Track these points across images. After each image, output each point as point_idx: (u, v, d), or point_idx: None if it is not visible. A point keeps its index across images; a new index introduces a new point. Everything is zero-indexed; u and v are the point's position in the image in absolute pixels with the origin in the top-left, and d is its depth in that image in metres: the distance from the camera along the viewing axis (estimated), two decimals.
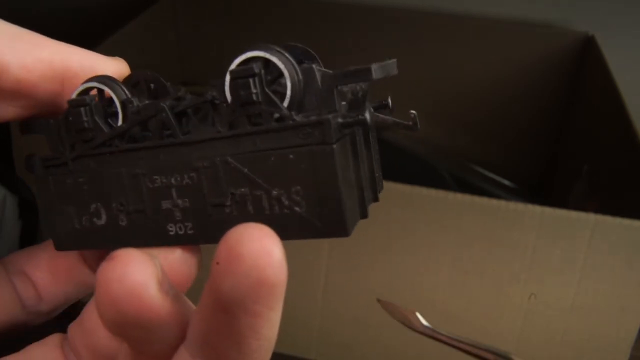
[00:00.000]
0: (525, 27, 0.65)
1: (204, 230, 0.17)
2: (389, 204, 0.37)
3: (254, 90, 0.16)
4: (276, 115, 0.16)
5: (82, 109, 0.18)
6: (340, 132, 0.15)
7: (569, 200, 0.56)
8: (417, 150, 0.65)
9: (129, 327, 0.15)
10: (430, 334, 0.31)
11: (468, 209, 0.37)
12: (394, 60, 0.17)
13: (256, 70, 0.15)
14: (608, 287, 0.37)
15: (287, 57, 0.16)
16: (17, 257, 0.21)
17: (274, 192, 0.16)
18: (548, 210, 0.36)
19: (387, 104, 0.18)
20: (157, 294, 0.15)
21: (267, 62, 0.16)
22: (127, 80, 0.19)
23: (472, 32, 0.66)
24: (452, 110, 0.69)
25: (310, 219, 0.16)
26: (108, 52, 0.20)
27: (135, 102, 0.18)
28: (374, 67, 0.15)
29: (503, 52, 0.66)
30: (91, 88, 0.18)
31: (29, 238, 0.45)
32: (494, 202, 0.36)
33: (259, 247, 0.13)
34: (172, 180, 0.17)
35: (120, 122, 0.18)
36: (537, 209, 0.36)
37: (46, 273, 0.21)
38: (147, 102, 0.18)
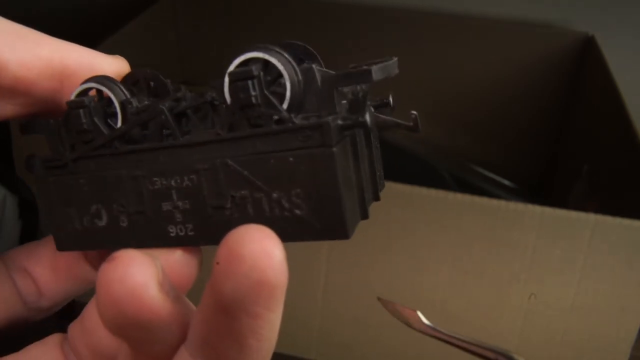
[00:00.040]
0: (525, 27, 0.65)
1: (204, 232, 0.17)
2: (389, 204, 0.37)
3: (253, 93, 0.15)
4: (276, 117, 0.16)
5: (80, 110, 0.17)
6: (340, 135, 0.15)
7: (569, 200, 0.56)
8: (417, 150, 0.65)
9: (130, 328, 0.15)
10: (431, 333, 0.31)
11: (468, 209, 0.37)
12: (395, 59, 0.16)
13: (255, 73, 0.15)
14: (608, 287, 0.37)
15: (286, 58, 0.16)
16: (17, 253, 0.21)
17: (274, 195, 0.16)
18: (548, 210, 0.36)
19: (388, 102, 0.17)
20: (157, 295, 0.15)
21: (266, 63, 0.16)
22: (126, 79, 0.19)
23: (472, 32, 0.66)
24: (452, 110, 0.69)
25: (311, 222, 0.16)
26: (108, 52, 0.20)
27: (135, 102, 0.17)
28: (374, 68, 0.15)
29: (503, 52, 0.66)
30: (90, 89, 0.18)
31: (29, 238, 0.44)
32: (494, 202, 0.36)
33: (260, 249, 0.13)
34: (172, 182, 0.17)
35: (119, 123, 0.18)
36: (537, 209, 0.36)
37: (47, 269, 0.21)
38: (146, 102, 0.18)
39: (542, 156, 0.69)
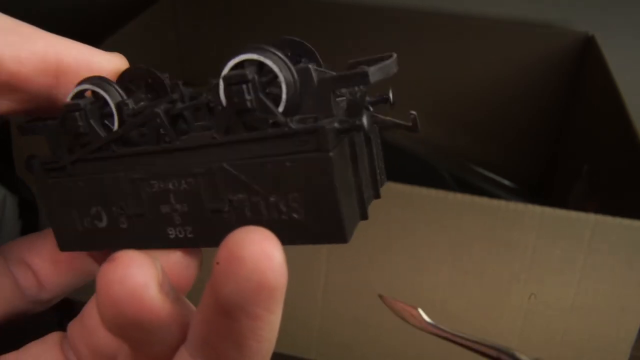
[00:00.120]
0: (525, 27, 0.65)
1: (203, 234, 0.17)
2: (389, 204, 0.37)
3: (248, 97, 0.15)
4: (271, 121, 0.15)
5: (76, 113, 0.17)
6: (337, 138, 0.15)
7: (569, 200, 0.56)
8: (417, 150, 0.65)
9: (130, 328, 0.15)
10: (432, 331, 0.31)
11: (468, 209, 0.37)
12: (394, 57, 0.16)
13: (249, 77, 0.15)
14: (608, 287, 0.37)
15: (281, 59, 0.15)
16: (16, 246, 0.21)
17: (272, 199, 0.16)
18: (548, 210, 0.36)
19: (388, 98, 0.17)
20: (157, 296, 0.15)
21: (261, 64, 0.15)
22: (123, 76, 0.18)
23: (472, 32, 0.66)
24: (452, 110, 0.69)
25: (309, 226, 0.16)
26: (108, 51, 0.19)
27: (131, 104, 0.17)
28: (371, 70, 0.15)
29: (503, 52, 0.66)
30: (86, 90, 0.18)
31: None
32: (494, 202, 0.36)
33: (260, 251, 0.13)
34: (170, 185, 0.17)
35: (116, 124, 0.17)
36: (537, 209, 0.36)
37: (47, 262, 0.21)
38: (142, 103, 0.18)
39: (542, 156, 0.69)
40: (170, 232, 0.18)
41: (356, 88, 0.17)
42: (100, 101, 0.17)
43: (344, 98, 0.17)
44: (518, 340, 0.40)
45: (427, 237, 0.38)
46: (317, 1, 0.69)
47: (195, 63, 0.73)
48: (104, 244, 0.19)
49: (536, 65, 0.65)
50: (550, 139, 0.68)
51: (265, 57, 0.15)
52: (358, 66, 0.17)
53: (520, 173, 0.69)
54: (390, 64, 0.16)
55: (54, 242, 0.20)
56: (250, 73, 0.15)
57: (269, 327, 0.15)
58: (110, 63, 0.18)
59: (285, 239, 0.14)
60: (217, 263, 0.14)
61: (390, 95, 0.17)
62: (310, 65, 0.16)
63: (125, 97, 0.18)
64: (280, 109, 0.15)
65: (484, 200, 0.36)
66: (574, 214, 0.35)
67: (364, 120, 0.15)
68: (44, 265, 0.20)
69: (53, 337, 0.20)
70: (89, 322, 0.19)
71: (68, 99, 0.18)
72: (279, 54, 0.15)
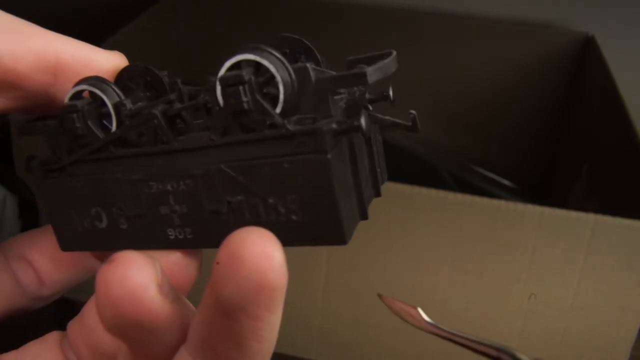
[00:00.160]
0: (525, 27, 0.65)
1: (203, 235, 0.17)
2: (389, 204, 0.37)
3: (245, 99, 0.15)
4: (269, 122, 0.15)
5: (74, 115, 0.17)
6: (335, 139, 0.15)
7: (569, 200, 0.56)
8: (417, 150, 0.65)
9: (129, 329, 0.15)
10: (432, 330, 0.31)
11: (468, 209, 0.37)
12: (393, 56, 0.16)
13: (246, 78, 0.15)
14: (608, 287, 0.37)
15: (278, 59, 0.15)
16: (17, 242, 0.21)
17: (270, 200, 0.16)
18: (548, 210, 0.36)
19: (388, 95, 0.17)
20: (157, 297, 0.15)
21: (258, 64, 0.15)
22: (122, 74, 0.18)
23: (472, 32, 0.66)
24: (452, 110, 0.69)
25: (307, 228, 0.16)
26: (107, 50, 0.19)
27: (128, 104, 0.17)
28: (369, 70, 0.15)
29: (503, 52, 0.66)
30: (83, 91, 0.18)
31: None
32: (494, 202, 0.36)
33: (260, 251, 0.13)
34: (169, 187, 0.17)
35: (114, 125, 0.17)
36: (537, 209, 0.36)
37: (47, 259, 0.20)
38: (140, 103, 0.17)
39: (542, 156, 0.69)
40: (169, 233, 0.18)
41: (355, 87, 0.17)
42: (97, 101, 0.17)
43: (343, 97, 0.17)
44: (518, 340, 0.40)
45: (427, 237, 0.38)
46: (317, 1, 0.69)
47: (195, 63, 0.73)
48: (104, 245, 0.19)
49: (536, 65, 0.65)
50: (550, 139, 0.68)
51: (262, 57, 0.15)
52: (357, 64, 0.17)
53: (520, 173, 0.69)
54: (389, 63, 0.16)
55: (54, 239, 0.20)
56: (246, 74, 0.15)
57: (269, 327, 0.15)
58: (109, 61, 0.18)
59: (284, 241, 0.14)
60: (217, 263, 0.14)
61: (391, 92, 0.17)
62: (308, 65, 0.15)
63: (123, 97, 0.17)
64: (278, 109, 0.15)
65: (484, 200, 0.36)
66: (574, 214, 0.35)
67: (362, 121, 0.15)
68: (44, 262, 0.20)
69: (53, 337, 0.20)
70: (89, 322, 0.19)
71: (66, 100, 0.18)
72: (276, 53, 0.15)
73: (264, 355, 0.15)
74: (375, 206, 0.18)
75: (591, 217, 0.35)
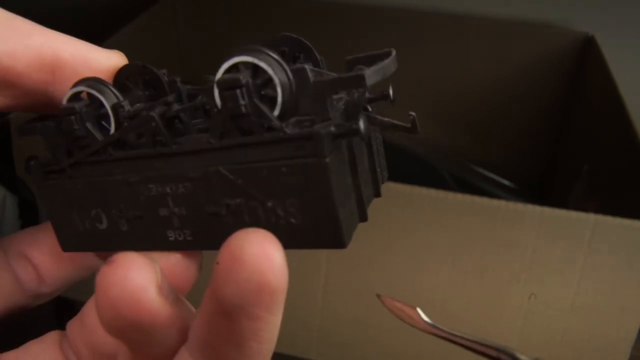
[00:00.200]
0: (525, 27, 0.65)
1: (202, 237, 0.17)
2: (389, 204, 0.37)
3: (242, 102, 0.15)
4: (267, 125, 0.15)
5: (72, 117, 0.17)
6: (334, 142, 0.15)
7: (569, 200, 0.56)
8: (417, 150, 0.65)
9: (129, 330, 0.15)
10: (431, 331, 0.31)
11: (468, 209, 0.37)
12: (392, 56, 0.16)
13: (243, 81, 0.15)
14: (608, 287, 0.37)
15: (276, 60, 0.15)
16: (16, 240, 0.21)
17: (269, 204, 0.16)
18: (548, 210, 0.36)
19: (388, 95, 0.17)
20: (156, 298, 0.15)
21: (256, 66, 0.15)
22: (120, 74, 0.18)
23: (472, 32, 0.66)
24: (452, 110, 0.69)
25: (306, 231, 0.15)
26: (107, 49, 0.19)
27: (127, 105, 0.17)
28: (368, 73, 0.14)
29: (503, 52, 0.66)
30: (81, 92, 0.17)
31: None
32: (494, 202, 0.36)
33: (261, 252, 0.13)
34: (167, 189, 0.17)
35: (112, 126, 0.17)
36: (537, 209, 0.36)
37: (47, 256, 0.20)
38: (138, 105, 0.17)
39: (542, 156, 0.69)
40: (169, 235, 0.18)
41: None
42: (95, 103, 0.17)
43: (342, 97, 0.17)
44: (518, 340, 0.40)
45: (427, 237, 0.38)
46: (317, 1, 0.69)
47: (195, 63, 0.73)
48: (105, 245, 0.19)
49: (536, 65, 0.65)
50: (550, 139, 0.68)
51: (260, 59, 0.15)
52: (356, 64, 0.17)
53: (520, 173, 0.69)
54: (389, 64, 0.16)
55: (54, 236, 0.20)
56: (244, 77, 0.15)
57: (270, 328, 0.15)
58: (108, 60, 0.18)
59: (283, 244, 0.14)
60: (218, 263, 0.14)
61: (390, 92, 0.17)
62: (306, 66, 0.15)
63: (121, 98, 0.17)
64: (276, 112, 0.15)
65: (484, 200, 0.36)
66: (574, 214, 0.35)
67: (361, 124, 0.15)
68: (44, 259, 0.20)
69: (52, 336, 0.20)
70: (89, 322, 0.19)
71: (64, 102, 0.18)
72: (274, 55, 0.15)
73: (264, 355, 0.15)
74: (375, 206, 0.18)
75: (591, 217, 0.35)
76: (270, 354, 0.16)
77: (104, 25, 0.57)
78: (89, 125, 0.17)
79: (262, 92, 0.15)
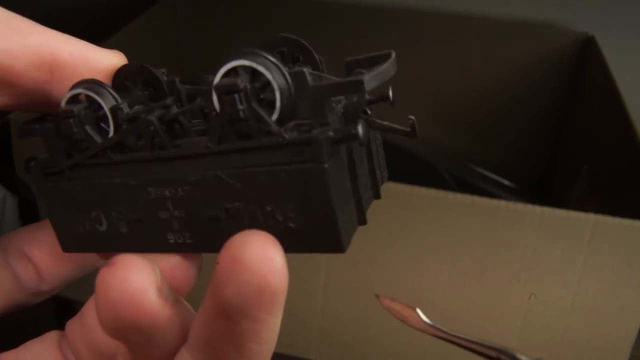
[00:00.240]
0: (525, 27, 0.65)
1: (202, 240, 0.17)
2: (389, 204, 0.37)
3: (240, 107, 0.15)
4: (265, 130, 0.15)
5: (71, 120, 0.17)
6: (333, 148, 0.15)
7: (569, 200, 0.56)
8: (417, 150, 0.65)
9: (129, 332, 0.15)
10: (431, 331, 0.31)
11: (468, 209, 0.37)
12: (392, 59, 0.16)
13: (241, 86, 0.15)
14: (608, 287, 0.37)
15: (274, 64, 0.15)
16: (15, 238, 0.21)
17: (268, 208, 0.15)
18: (548, 210, 0.36)
19: (388, 96, 0.17)
20: (156, 300, 0.15)
21: (254, 70, 0.15)
22: (119, 74, 0.18)
23: (472, 32, 0.66)
24: (452, 110, 0.69)
25: (305, 236, 0.15)
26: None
27: (125, 108, 0.17)
28: (366, 78, 0.14)
29: (503, 52, 0.66)
30: (79, 94, 0.17)
31: None
32: (494, 202, 0.36)
33: (261, 255, 0.13)
34: (167, 193, 0.17)
35: (111, 129, 0.17)
36: (537, 209, 0.36)
37: (47, 254, 0.20)
38: (137, 107, 0.17)
39: (542, 156, 0.69)
40: (169, 237, 0.18)
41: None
42: (94, 105, 0.17)
43: (341, 100, 0.16)
44: (518, 340, 0.40)
45: (427, 237, 0.38)
46: (317, 1, 0.69)
47: (195, 63, 0.73)
48: (105, 247, 0.19)
49: (536, 65, 0.65)
50: (550, 139, 0.68)
51: (258, 63, 0.15)
52: (355, 65, 0.17)
53: (520, 173, 0.69)
54: (388, 68, 0.15)
55: (54, 234, 0.20)
56: (242, 82, 0.15)
57: (270, 329, 0.15)
58: (107, 60, 0.18)
59: (283, 248, 0.14)
60: (218, 263, 0.14)
61: (390, 93, 0.17)
62: (305, 70, 0.15)
63: (119, 100, 0.17)
64: (275, 116, 0.15)
65: (484, 200, 0.36)
66: (574, 214, 0.35)
67: (360, 129, 0.14)
68: (43, 257, 0.20)
69: (51, 336, 0.20)
70: (88, 322, 0.19)
71: (62, 104, 0.18)
72: (272, 58, 0.15)
73: (264, 356, 0.15)
74: (375, 206, 0.18)
75: (591, 217, 0.35)
76: (270, 355, 0.16)
77: (104, 25, 0.57)
78: (87, 128, 0.17)
79: (261, 96, 0.15)
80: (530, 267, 0.38)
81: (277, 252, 0.14)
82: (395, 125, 0.16)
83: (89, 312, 0.19)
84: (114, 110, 0.17)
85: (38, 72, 0.17)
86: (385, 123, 0.16)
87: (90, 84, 0.17)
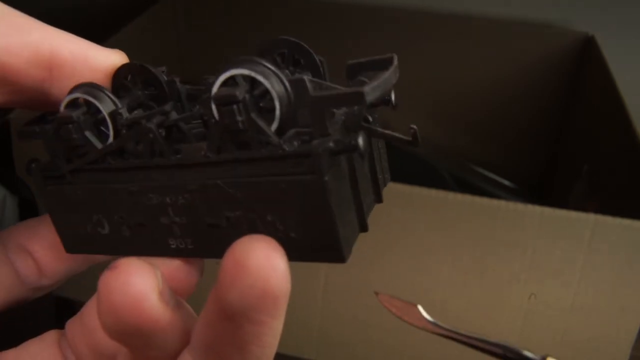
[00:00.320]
0: (525, 27, 0.65)
1: (204, 246, 0.17)
2: (389, 204, 0.37)
3: (239, 118, 0.15)
4: (264, 141, 0.15)
5: (70, 126, 0.17)
6: (333, 159, 0.15)
7: (569, 200, 0.56)
8: (417, 150, 0.65)
9: (130, 335, 0.15)
10: (433, 329, 0.30)
11: (468, 209, 0.37)
12: (394, 66, 0.15)
13: (240, 97, 0.15)
14: (608, 287, 0.37)
15: (274, 72, 0.15)
16: (15, 232, 0.21)
17: (268, 218, 0.15)
18: (548, 210, 0.36)
19: (390, 100, 0.17)
20: (157, 304, 0.15)
21: (253, 79, 0.15)
22: (118, 73, 0.18)
23: (472, 32, 0.66)
24: (452, 110, 0.69)
25: (305, 245, 0.15)
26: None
27: (125, 113, 0.17)
28: (367, 89, 0.14)
29: (503, 52, 0.66)
30: (78, 98, 0.17)
31: None
32: (494, 202, 0.36)
33: (265, 260, 0.14)
34: (167, 199, 0.17)
35: (111, 133, 0.17)
36: (537, 209, 0.36)
37: (47, 249, 0.20)
38: (136, 112, 0.17)
39: (542, 156, 0.69)
40: (171, 243, 0.18)
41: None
42: (93, 109, 0.17)
43: (341, 112, 0.16)
44: (518, 340, 0.40)
45: (427, 237, 0.38)
46: (317, 1, 0.69)
47: (195, 63, 0.73)
48: (108, 249, 0.19)
49: (536, 65, 0.65)
50: (550, 139, 0.68)
51: (257, 72, 0.15)
52: (358, 69, 0.16)
53: (520, 173, 0.69)
54: (389, 77, 0.15)
55: (54, 229, 0.20)
56: (240, 93, 0.15)
57: (272, 332, 0.15)
58: (107, 59, 0.18)
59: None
60: (220, 266, 0.14)
61: (392, 97, 0.17)
62: (305, 77, 0.15)
63: (119, 104, 0.17)
64: (274, 126, 0.15)
65: (484, 200, 0.36)
66: (574, 214, 0.35)
67: (360, 141, 0.14)
68: (44, 253, 0.20)
69: (51, 335, 0.20)
70: (89, 322, 0.19)
71: (61, 108, 0.17)
72: (271, 66, 0.15)
73: (266, 359, 0.15)
74: (375, 206, 0.18)
75: (591, 217, 0.35)
76: (272, 358, 0.16)
77: (104, 25, 0.57)
78: (87, 133, 0.17)
79: (260, 104, 0.15)
80: (530, 267, 0.38)
81: (280, 257, 0.14)
82: (397, 134, 0.16)
83: (89, 313, 0.19)
84: (113, 115, 0.17)
85: (37, 69, 0.17)
86: (387, 132, 0.16)
87: (89, 87, 0.17)
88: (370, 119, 0.17)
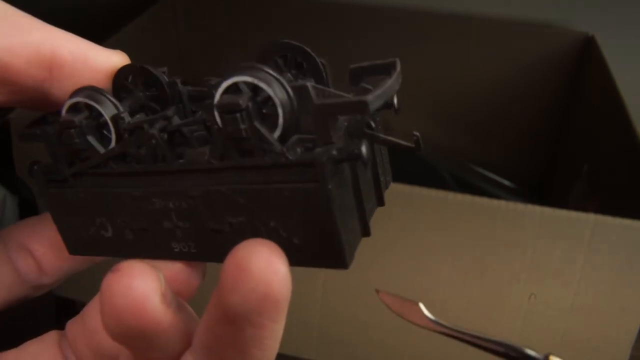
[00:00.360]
0: (525, 27, 0.65)
1: (206, 250, 0.17)
2: (389, 204, 0.37)
3: (242, 126, 0.15)
4: (268, 149, 0.15)
5: (72, 130, 0.17)
6: (336, 167, 0.15)
7: (569, 200, 0.56)
8: None
9: (132, 337, 0.15)
10: (434, 328, 0.30)
11: (468, 209, 0.37)
12: (397, 72, 0.15)
13: (243, 105, 0.15)
14: (608, 287, 0.37)
15: (276, 79, 0.15)
16: (16, 231, 0.21)
17: (271, 224, 0.16)
18: (548, 210, 0.36)
19: (392, 104, 0.17)
20: (159, 307, 0.15)
21: (256, 86, 0.15)
22: (119, 74, 0.18)
23: (472, 32, 0.66)
24: (452, 110, 0.69)
25: (308, 251, 0.16)
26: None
27: (127, 117, 0.17)
28: (370, 98, 0.14)
29: (503, 52, 0.66)
30: (80, 102, 0.17)
31: None
32: (494, 202, 0.36)
33: (267, 263, 0.14)
34: (170, 204, 0.17)
35: (113, 137, 0.17)
36: (537, 209, 0.36)
37: (48, 247, 0.20)
38: (138, 116, 0.17)
39: (542, 156, 0.69)
40: (174, 246, 0.18)
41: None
42: (94, 113, 0.17)
43: (344, 119, 0.16)
44: (518, 340, 0.40)
45: (427, 237, 0.38)
46: (317, 1, 0.69)
47: (195, 63, 0.73)
48: (111, 252, 0.19)
49: (536, 65, 0.65)
50: (550, 139, 0.68)
51: (259, 79, 0.15)
52: (360, 73, 0.16)
53: (520, 173, 0.69)
54: (392, 84, 0.15)
55: (55, 227, 0.20)
56: (243, 101, 0.15)
57: (273, 335, 0.15)
58: (108, 59, 0.18)
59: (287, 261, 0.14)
60: (222, 269, 0.14)
61: (395, 101, 0.16)
62: (308, 84, 0.15)
63: (120, 108, 0.17)
64: (277, 133, 0.15)
65: (484, 200, 0.36)
66: (574, 214, 0.35)
67: (363, 149, 0.14)
68: (45, 251, 0.20)
69: (51, 336, 0.20)
70: (91, 323, 0.19)
71: (63, 112, 0.17)
72: (273, 73, 0.15)
73: None
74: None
75: (591, 217, 0.35)
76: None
77: (104, 25, 0.57)
78: (89, 138, 0.17)
79: (263, 110, 0.15)
80: (530, 267, 0.38)
81: (281, 261, 0.14)
82: (400, 141, 0.16)
83: (91, 314, 0.19)
84: (115, 119, 0.17)
85: (38, 69, 0.17)
86: (390, 138, 0.16)
87: (91, 91, 0.17)
88: (373, 124, 0.17)
